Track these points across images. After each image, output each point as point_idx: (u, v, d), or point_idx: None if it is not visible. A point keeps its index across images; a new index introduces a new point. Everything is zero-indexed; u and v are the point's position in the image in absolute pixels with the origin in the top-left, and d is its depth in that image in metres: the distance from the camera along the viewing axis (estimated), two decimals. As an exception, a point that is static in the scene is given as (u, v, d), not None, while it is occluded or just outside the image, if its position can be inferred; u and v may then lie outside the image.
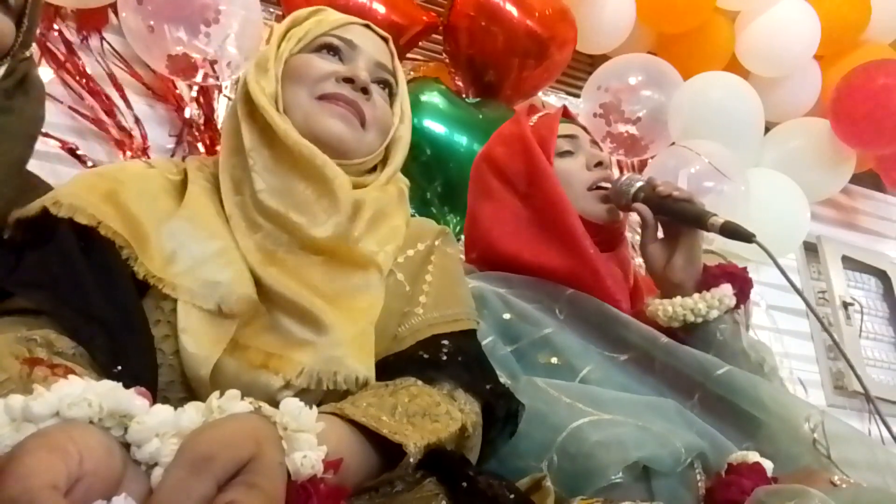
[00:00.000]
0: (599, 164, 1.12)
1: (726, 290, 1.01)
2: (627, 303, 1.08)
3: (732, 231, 0.98)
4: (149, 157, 1.58)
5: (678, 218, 1.04)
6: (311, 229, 0.74)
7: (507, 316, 1.00)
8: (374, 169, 0.87)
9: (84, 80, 1.59)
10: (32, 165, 0.81)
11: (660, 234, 1.08)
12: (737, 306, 1.04)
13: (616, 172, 1.16)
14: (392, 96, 0.89)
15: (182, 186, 0.79)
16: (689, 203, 1.03)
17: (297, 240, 0.74)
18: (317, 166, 0.75)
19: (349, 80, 0.82)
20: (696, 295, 1.01)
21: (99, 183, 0.71)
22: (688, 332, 1.02)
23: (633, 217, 1.13)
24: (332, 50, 0.85)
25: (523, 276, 1.06)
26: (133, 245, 0.67)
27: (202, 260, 0.69)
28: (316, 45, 0.85)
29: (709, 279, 1.04)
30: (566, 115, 1.21)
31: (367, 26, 0.89)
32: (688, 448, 0.81)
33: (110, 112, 1.58)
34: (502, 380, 0.91)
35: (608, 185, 1.10)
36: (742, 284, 1.05)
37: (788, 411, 0.95)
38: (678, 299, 1.02)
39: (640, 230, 1.11)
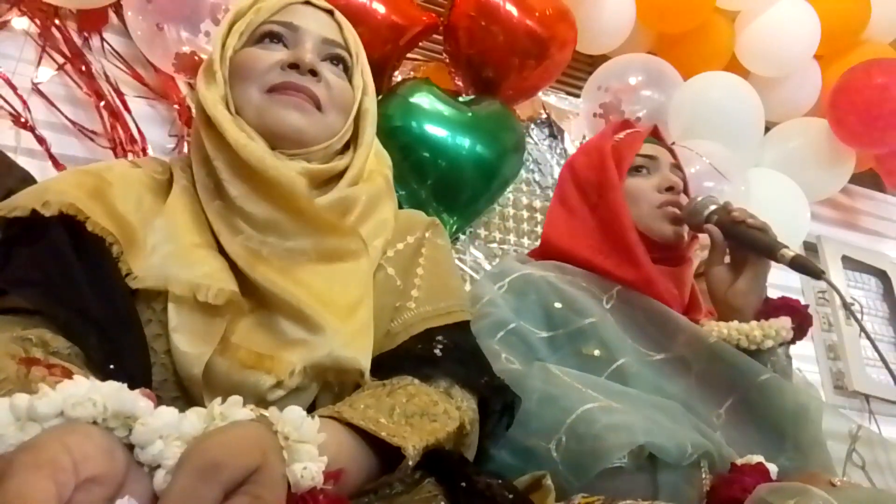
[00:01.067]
0: (671, 188, 1.13)
1: (785, 323, 1.01)
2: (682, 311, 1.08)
3: (801, 265, 0.98)
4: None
5: (749, 245, 1.05)
6: (286, 241, 0.73)
7: (558, 305, 1.01)
8: (346, 146, 0.85)
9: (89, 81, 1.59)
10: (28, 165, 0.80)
11: (726, 259, 1.09)
12: (792, 341, 1.04)
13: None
14: (348, 69, 0.85)
15: (168, 186, 0.78)
16: (761, 232, 1.04)
17: (280, 240, 0.73)
18: (282, 186, 0.73)
19: (294, 66, 0.79)
20: (753, 322, 1.01)
21: (86, 180, 0.71)
22: None
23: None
24: (274, 37, 0.81)
25: (579, 268, 1.08)
26: (121, 241, 0.67)
27: (181, 255, 0.69)
28: (257, 36, 0.82)
29: (769, 310, 1.04)
30: (655, 134, 1.22)
31: (308, 2, 0.85)
32: (694, 445, 0.81)
33: (114, 113, 1.58)
34: (515, 365, 0.91)
35: (677, 210, 1.12)
36: (802, 321, 1.05)
37: (828, 424, 0.95)
38: (734, 323, 1.01)
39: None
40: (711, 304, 1.10)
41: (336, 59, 0.84)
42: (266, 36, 0.82)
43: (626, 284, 1.06)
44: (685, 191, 1.19)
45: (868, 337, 0.99)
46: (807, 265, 0.98)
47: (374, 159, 0.87)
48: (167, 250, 0.69)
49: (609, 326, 1.00)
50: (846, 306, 1.00)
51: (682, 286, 1.13)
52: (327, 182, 0.81)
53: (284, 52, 0.81)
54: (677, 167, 1.20)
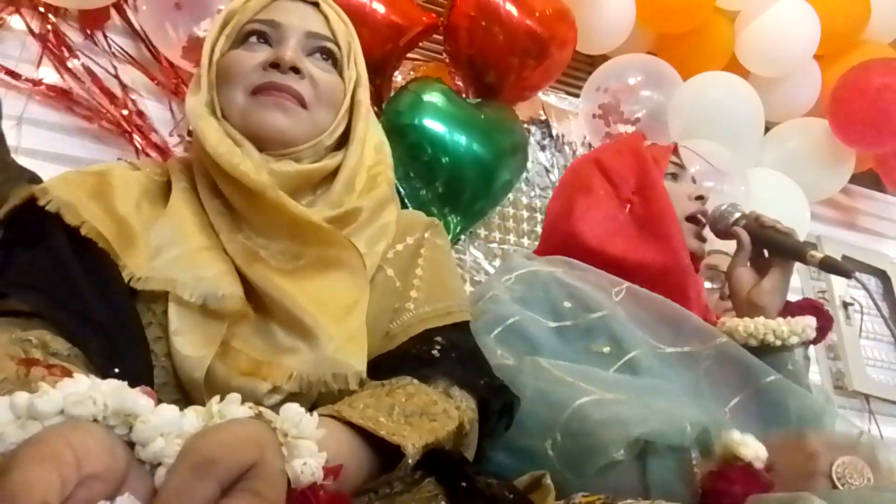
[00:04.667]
0: (700, 197, 1.19)
1: (810, 322, 1.02)
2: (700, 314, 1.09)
3: (831, 265, 1.01)
4: (165, 154, 1.58)
5: (778, 247, 1.08)
6: (278, 244, 0.73)
7: (567, 304, 1.02)
8: (345, 138, 0.83)
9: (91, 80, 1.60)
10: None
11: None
12: (813, 341, 1.05)
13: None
14: (337, 62, 0.83)
15: (166, 188, 0.78)
16: (789, 236, 1.08)
17: (271, 242, 0.73)
18: (252, 190, 0.72)
19: (275, 65, 0.77)
20: (779, 318, 1.02)
21: (87, 180, 0.71)
22: (759, 356, 1.00)
23: None
24: (259, 36, 0.80)
25: (586, 264, 1.09)
26: (116, 248, 0.66)
27: (187, 256, 0.69)
28: (242, 36, 0.81)
29: (793, 310, 1.06)
30: (675, 151, 1.28)
31: None
32: (692, 422, 0.81)
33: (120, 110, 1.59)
34: (509, 361, 0.91)
35: (703, 220, 1.17)
36: (825, 323, 1.07)
37: (834, 429, 0.96)
38: (761, 319, 1.02)
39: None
40: (732, 304, 1.13)
41: (323, 53, 0.82)
42: (250, 35, 0.80)
43: (663, 275, 1.07)
44: None
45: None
46: (837, 266, 1.01)
47: (375, 155, 0.85)
48: (174, 253, 0.69)
49: (620, 318, 1.00)
50: (878, 307, 1.03)
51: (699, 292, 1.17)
52: (323, 181, 0.81)
53: (268, 51, 0.79)
54: (695, 182, 1.26)
